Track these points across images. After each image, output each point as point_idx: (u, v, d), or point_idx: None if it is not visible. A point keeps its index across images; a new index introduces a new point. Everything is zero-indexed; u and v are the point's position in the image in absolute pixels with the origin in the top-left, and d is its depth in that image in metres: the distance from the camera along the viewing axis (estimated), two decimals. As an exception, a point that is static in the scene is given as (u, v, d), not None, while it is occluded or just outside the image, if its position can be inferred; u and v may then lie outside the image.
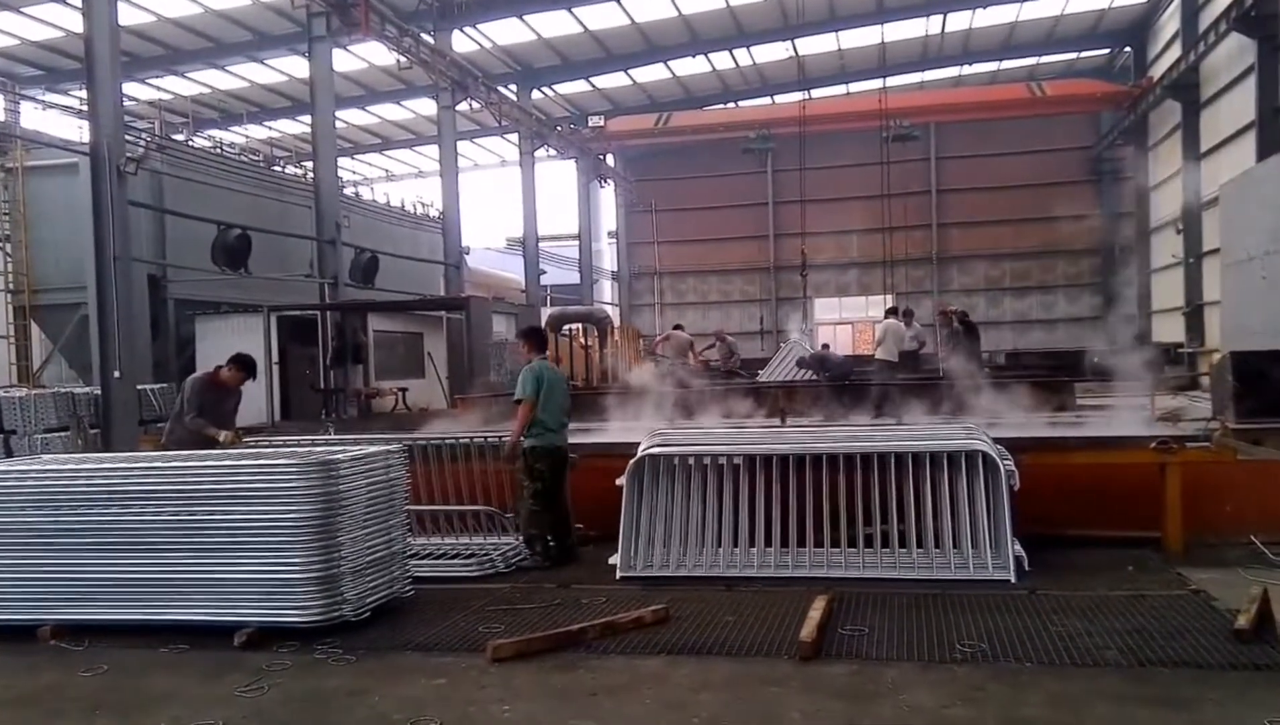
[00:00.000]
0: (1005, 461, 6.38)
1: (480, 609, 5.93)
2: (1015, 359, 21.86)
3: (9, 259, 16.17)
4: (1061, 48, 29.04)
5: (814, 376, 15.05)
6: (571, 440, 7.71)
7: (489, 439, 7.73)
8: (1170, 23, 24.42)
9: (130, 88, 22.78)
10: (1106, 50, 29.89)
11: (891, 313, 17.02)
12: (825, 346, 18.30)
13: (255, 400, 15.27)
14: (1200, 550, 6.77)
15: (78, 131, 18.78)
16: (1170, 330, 24.37)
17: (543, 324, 20.67)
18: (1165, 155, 25.50)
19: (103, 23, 12.60)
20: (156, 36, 22.20)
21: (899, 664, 4.69)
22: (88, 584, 5.63)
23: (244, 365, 7.72)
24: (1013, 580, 6.04)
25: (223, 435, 7.39)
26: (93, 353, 12.87)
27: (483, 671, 4.80)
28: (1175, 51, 23.30)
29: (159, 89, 25.06)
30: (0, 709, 4.63)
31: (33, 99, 21.93)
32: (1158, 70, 25.24)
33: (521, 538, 7.24)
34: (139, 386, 12.95)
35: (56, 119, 23.86)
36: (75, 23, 17.62)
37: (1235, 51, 19.36)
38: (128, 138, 14.34)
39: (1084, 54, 30.08)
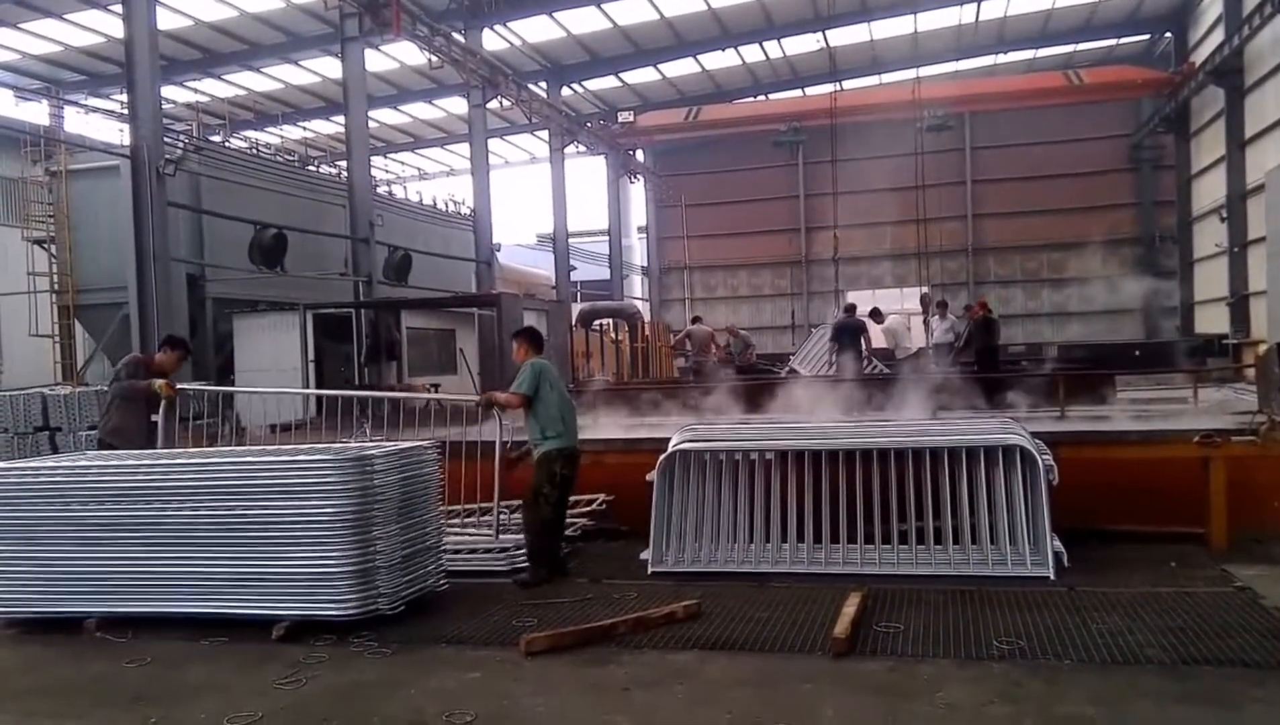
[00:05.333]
0: (1043, 456, 6.28)
1: (513, 603, 5.97)
2: (1064, 351, 21.50)
3: (53, 260, 16.46)
4: (1099, 34, 28.41)
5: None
6: (603, 436, 7.69)
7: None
8: (1213, 6, 23.78)
9: (169, 91, 23.14)
10: (1146, 36, 29.20)
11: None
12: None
13: (292, 398, 15.47)
14: (1246, 546, 6.64)
15: (118, 135, 19.11)
16: (1214, 321, 23.80)
17: (574, 320, 20.79)
18: (1208, 142, 24.87)
19: (142, 28, 12.81)
20: (194, 40, 22.51)
21: (935, 661, 4.64)
22: (131, 578, 5.75)
23: (178, 343, 7.42)
24: (1051, 577, 5.95)
25: (155, 383, 7.16)
26: (134, 351, 13.08)
27: (516, 665, 4.84)
28: (1218, 36, 22.70)
29: (196, 91, 25.41)
30: (48, 697, 4.76)
31: (75, 103, 22.26)
32: (1200, 55, 24.59)
33: (526, 549, 6.71)
34: (178, 384, 13.11)
35: (98, 123, 24.21)
36: (116, 28, 17.92)
37: (1281, 35, 18.87)
38: (166, 140, 14.55)
39: (1123, 40, 29.41)
